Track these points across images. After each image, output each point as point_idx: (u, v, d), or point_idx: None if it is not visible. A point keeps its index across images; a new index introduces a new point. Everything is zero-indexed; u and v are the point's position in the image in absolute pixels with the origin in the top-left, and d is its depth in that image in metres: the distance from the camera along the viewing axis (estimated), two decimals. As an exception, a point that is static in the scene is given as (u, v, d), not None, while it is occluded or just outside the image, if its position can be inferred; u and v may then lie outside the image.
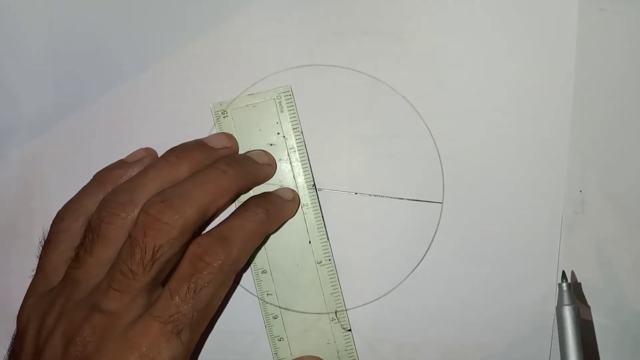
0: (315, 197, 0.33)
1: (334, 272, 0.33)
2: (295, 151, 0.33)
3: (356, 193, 0.34)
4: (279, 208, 0.32)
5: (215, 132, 0.34)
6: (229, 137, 0.33)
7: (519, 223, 0.33)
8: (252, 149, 0.33)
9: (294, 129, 0.33)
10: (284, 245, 0.33)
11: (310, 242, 0.33)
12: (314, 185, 0.33)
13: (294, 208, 0.33)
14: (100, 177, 0.33)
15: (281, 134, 0.33)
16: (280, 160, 0.33)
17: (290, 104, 0.33)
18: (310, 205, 0.33)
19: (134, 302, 0.28)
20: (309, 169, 0.33)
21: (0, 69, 0.35)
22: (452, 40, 0.33)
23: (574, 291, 0.31)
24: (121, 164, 0.33)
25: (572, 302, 0.29)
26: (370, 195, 0.34)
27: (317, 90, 0.34)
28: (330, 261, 0.33)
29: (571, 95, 0.33)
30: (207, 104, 0.34)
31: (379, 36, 0.34)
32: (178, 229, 0.28)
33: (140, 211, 0.29)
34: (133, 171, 0.32)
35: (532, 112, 0.33)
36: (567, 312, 0.29)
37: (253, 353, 0.34)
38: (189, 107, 0.34)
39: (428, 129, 0.34)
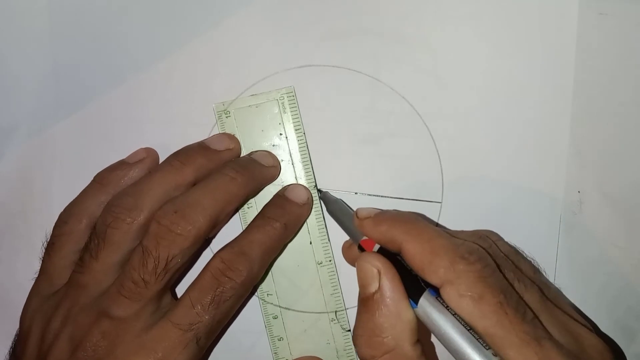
0: (318, 198, 0.33)
1: (335, 272, 0.33)
2: (297, 152, 0.33)
3: (356, 193, 0.34)
4: (297, 217, 0.32)
5: (218, 133, 0.34)
6: (232, 138, 0.33)
7: (518, 223, 0.34)
8: (255, 150, 0.33)
9: (296, 130, 0.33)
10: (285, 246, 0.33)
11: (311, 243, 0.33)
12: (316, 186, 0.33)
13: (309, 209, 0.33)
14: (101, 179, 0.32)
15: (284, 135, 0.33)
16: (282, 161, 0.33)
17: (293, 105, 0.33)
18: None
19: (144, 309, 0.29)
20: (311, 170, 0.33)
21: (1, 69, 0.35)
22: (452, 41, 0.33)
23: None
24: (122, 165, 0.33)
25: (332, 201, 0.33)
26: (370, 195, 0.34)
27: (317, 90, 0.34)
28: (331, 262, 0.33)
29: (570, 97, 0.33)
30: (207, 103, 0.34)
31: (379, 36, 0.34)
32: (191, 240, 0.29)
33: (152, 221, 0.29)
34: (134, 172, 0.32)
35: (531, 114, 0.33)
36: (333, 207, 0.33)
37: (253, 353, 0.35)
38: (189, 106, 0.34)
39: (428, 129, 0.34)
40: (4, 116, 0.35)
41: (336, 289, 0.33)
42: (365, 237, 0.30)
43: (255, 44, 0.34)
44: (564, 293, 0.34)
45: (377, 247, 0.29)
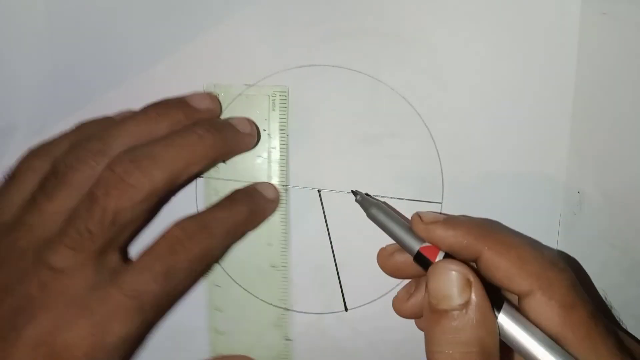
0: (285, 201, 0.33)
1: (287, 279, 0.33)
2: (277, 151, 0.33)
3: (356, 193, 0.34)
4: (262, 208, 0.31)
5: (200, 92, 0.32)
6: (213, 98, 0.31)
7: (517, 223, 0.33)
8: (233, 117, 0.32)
9: (280, 129, 0.33)
10: (243, 242, 0.33)
11: (269, 245, 0.33)
12: (286, 188, 0.33)
13: (274, 207, 0.32)
14: (82, 126, 0.31)
15: (267, 132, 0.33)
16: (258, 157, 0.33)
17: (283, 105, 0.33)
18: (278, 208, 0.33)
19: (86, 264, 0.26)
20: (286, 172, 0.33)
21: (0, 68, 0.35)
22: (452, 41, 0.33)
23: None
24: (107, 119, 0.31)
25: (373, 204, 0.30)
26: (370, 195, 0.34)
27: (317, 90, 0.34)
28: (286, 267, 0.33)
29: (571, 97, 0.33)
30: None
31: (379, 36, 0.34)
32: (143, 194, 0.26)
33: (105, 167, 0.26)
34: None
35: (531, 114, 0.33)
36: (376, 211, 0.30)
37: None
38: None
39: (428, 129, 0.34)
40: (4, 116, 0.35)
41: (285, 295, 0.33)
42: (426, 244, 0.27)
43: (255, 44, 0.34)
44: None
45: (440, 255, 0.26)
